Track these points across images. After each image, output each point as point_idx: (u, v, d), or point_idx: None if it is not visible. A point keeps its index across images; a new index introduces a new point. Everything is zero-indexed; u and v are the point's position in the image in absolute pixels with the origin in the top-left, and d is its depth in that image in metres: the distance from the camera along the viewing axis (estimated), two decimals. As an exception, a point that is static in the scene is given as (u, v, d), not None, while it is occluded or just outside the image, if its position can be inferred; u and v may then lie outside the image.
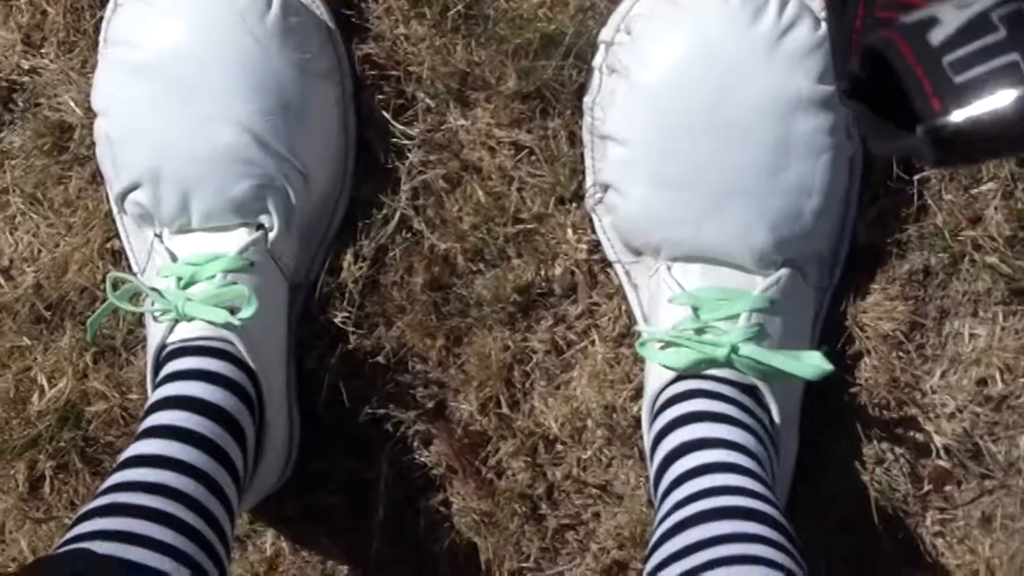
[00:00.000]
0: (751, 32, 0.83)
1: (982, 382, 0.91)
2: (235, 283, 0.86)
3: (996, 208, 0.88)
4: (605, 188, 0.89)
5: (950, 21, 0.49)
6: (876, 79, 0.51)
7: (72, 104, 0.94)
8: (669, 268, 0.87)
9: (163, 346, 0.86)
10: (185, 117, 0.87)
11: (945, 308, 0.91)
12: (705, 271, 0.87)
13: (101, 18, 0.92)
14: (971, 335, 0.91)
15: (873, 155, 0.89)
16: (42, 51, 0.96)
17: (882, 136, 0.53)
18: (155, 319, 0.87)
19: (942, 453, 0.91)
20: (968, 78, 0.47)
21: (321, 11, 0.91)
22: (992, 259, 0.88)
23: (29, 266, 0.97)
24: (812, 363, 0.82)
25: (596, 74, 0.89)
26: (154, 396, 0.84)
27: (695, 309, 0.85)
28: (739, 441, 0.81)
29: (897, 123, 0.50)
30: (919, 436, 0.91)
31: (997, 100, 0.47)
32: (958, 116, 0.47)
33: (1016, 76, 0.47)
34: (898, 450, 0.91)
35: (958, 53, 0.48)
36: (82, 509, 0.76)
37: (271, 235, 0.89)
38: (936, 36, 0.49)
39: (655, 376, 0.86)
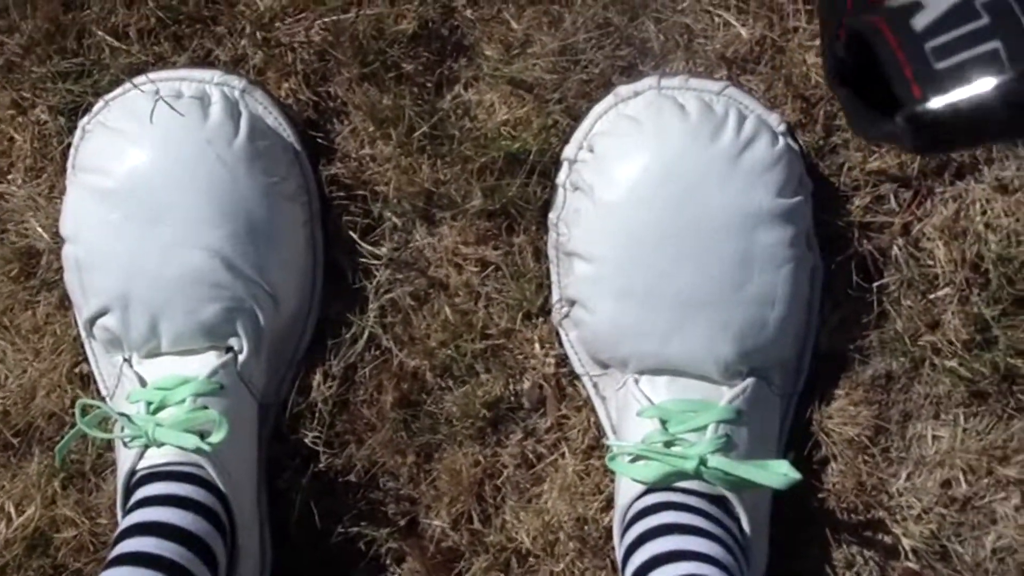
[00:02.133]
0: (711, 149, 0.87)
1: (946, 484, 0.95)
2: (205, 407, 0.88)
3: (953, 313, 0.93)
4: (571, 303, 0.93)
5: (934, 6, 0.50)
6: (862, 63, 0.52)
7: (39, 230, 0.97)
8: (636, 381, 0.91)
9: (133, 472, 0.88)
10: (153, 242, 0.90)
11: (908, 411, 0.95)
12: (672, 383, 0.90)
13: (68, 144, 0.95)
14: (934, 437, 0.95)
15: (832, 265, 0.93)
16: (9, 177, 0.99)
17: (864, 121, 0.53)
18: (125, 445, 0.89)
19: (911, 555, 0.95)
20: (949, 64, 0.48)
21: (288, 133, 0.95)
22: (951, 363, 0.93)
23: (-4, 392, 1.00)
24: (779, 472, 0.85)
25: (560, 191, 0.93)
26: (124, 523, 0.86)
27: (663, 422, 0.88)
28: (710, 553, 0.84)
29: (882, 108, 0.51)
30: (887, 539, 0.95)
31: (977, 87, 0.48)
32: (937, 103, 0.48)
33: (996, 64, 0.48)
34: (867, 553, 0.95)
35: (941, 39, 0.49)
36: None
37: (240, 357, 0.91)
38: (920, 21, 0.50)
39: (625, 489, 0.89)
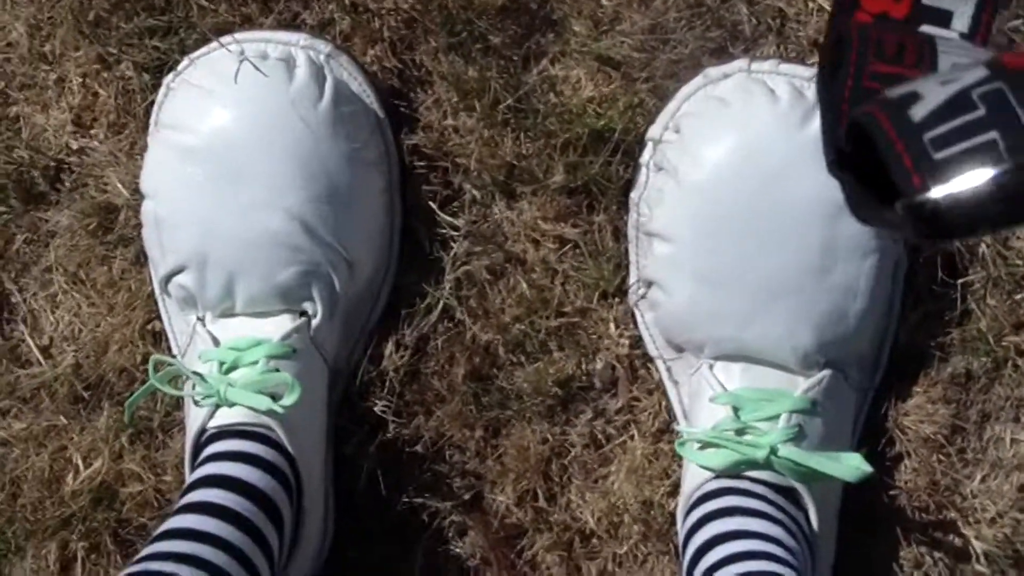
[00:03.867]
0: (800, 134, 0.89)
1: (1023, 488, 0.96)
2: (277, 370, 0.91)
3: (1039, 315, 0.94)
4: (649, 284, 0.95)
5: (932, 97, 0.51)
6: (863, 152, 0.53)
7: (119, 185, 1.01)
8: (711, 367, 0.93)
9: (203, 430, 0.92)
10: (233, 202, 0.93)
11: (987, 412, 0.97)
12: (747, 370, 0.93)
13: (152, 102, 0.98)
14: (1012, 440, 0.96)
15: (918, 259, 0.95)
16: (92, 132, 1.02)
17: (865, 208, 0.55)
18: (196, 403, 0.92)
19: (982, 559, 0.96)
20: (948, 155, 0.49)
21: (372, 100, 0.97)
22: (1034, 366, 0.94)
23: (69, 345, 1.03)
24: (852, 465, 0.87)
25: (643, 171, 0.95)
26: (192, 476, 0.90)
27: (736, 409, 0.90)
28: (773, 535, 0.86)
29: (883, 196, 0.51)
30: (958, 541, 0.96)
31: (975, 177, 0.48)
32: (937, 192, 0.49)
33: (994, 154, 0.49)
34: (937, 554, 0.96)
35: (938, 130, 0.50)
36: None
37: (315, 322, 0.94)
38: (918, 112, 0.51)
39: (692, 475, 0.91)
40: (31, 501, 1.03)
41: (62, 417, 1.03)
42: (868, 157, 0.53)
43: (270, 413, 0.90)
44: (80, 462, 1.03)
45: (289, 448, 0.91)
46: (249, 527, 0.86)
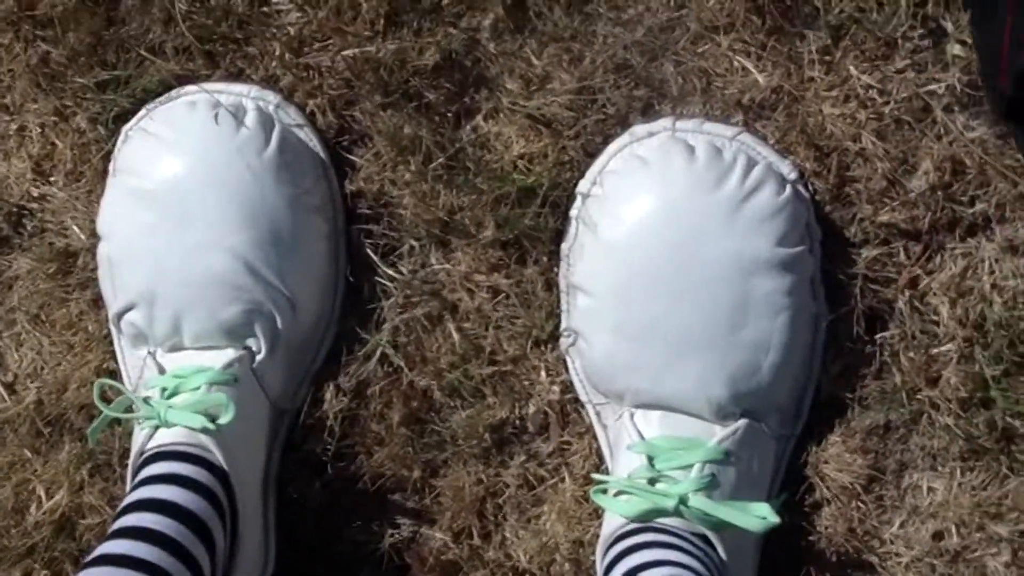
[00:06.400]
0: (715, 195, 0.97)
1: (938, 535, 1.04)
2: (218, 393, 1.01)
3: (953, 371, 1.02)
4: (576, 333, 1.04)
5: None
6: None
7: (77, 231, 1.11)
8: (632, 415, 1.01)
9: (142, 452, 1.00)
10: (181, 243, 1.03)
11: (905, 461, 1.04)
12: (665, 419, 1.01)
13: (108, 152, 1.09)
14: (929, 489, 1.04)
15: (837, 314, 1.03)
16: (51, 180, 1.13)
17: None
18: (138, 425, 1.02)
19: (897, 603, 1.05)
20: None
21: (318, 148, 1.07)
22: (948, 420, 1.02)
23: (32, 382, 1.14)
24: (758, 515, 0.94)
25: (573, 223, 1.04)
26: (126, 500, 0.97)
27: (650, 458, 0.98)
28: (688, 564, 0.93)
29: None
30: (876, 585, 1.05)
31: None
32: None
33: None
34: (855, 598, 1.05)
35: None
36: None
37: (258, 357, 1.04)
38: None
39: (610, 520, 0.99)
40: (-2, 529, 1.15)
41: (26, 451, 1.14)
42: None
43: (205, 431, 0.98)
44: (43, 494, 1.13)
45: (224, 467, 0.98)
46: (178, 549, 0.93)
